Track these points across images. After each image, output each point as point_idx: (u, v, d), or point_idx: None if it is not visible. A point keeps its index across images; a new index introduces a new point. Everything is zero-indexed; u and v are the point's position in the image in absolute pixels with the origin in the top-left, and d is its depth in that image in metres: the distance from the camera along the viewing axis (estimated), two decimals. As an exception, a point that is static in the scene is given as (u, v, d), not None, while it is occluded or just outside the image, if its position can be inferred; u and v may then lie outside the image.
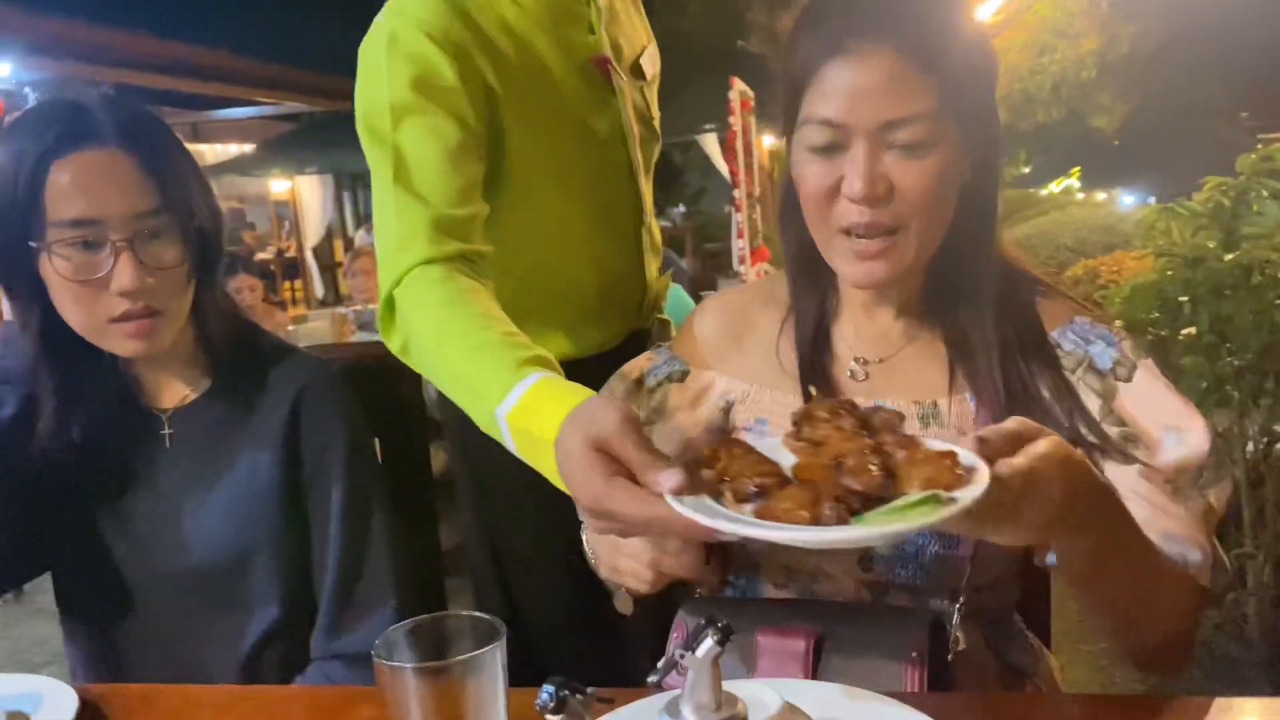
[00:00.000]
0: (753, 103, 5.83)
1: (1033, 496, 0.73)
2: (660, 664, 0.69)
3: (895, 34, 0.94)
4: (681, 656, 0.48)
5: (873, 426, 0.78)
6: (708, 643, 0.48)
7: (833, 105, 0.95)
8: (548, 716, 0.44)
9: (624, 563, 1.00)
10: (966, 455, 0.72)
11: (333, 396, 1.21)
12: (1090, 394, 1.00)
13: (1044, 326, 1.04)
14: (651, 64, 1.49)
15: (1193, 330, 2.57)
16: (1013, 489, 0.71)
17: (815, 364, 1.08)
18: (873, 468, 0.70)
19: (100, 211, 1.09)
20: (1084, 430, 0.98)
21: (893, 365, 1.07)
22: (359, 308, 4.26)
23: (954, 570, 1.01)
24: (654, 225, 1.49)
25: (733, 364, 1.14)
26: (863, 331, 1.10)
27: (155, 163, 1.12)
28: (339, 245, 14.44)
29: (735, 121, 5.67)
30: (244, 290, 4.43)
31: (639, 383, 1.18)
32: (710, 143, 12.18)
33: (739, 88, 5.68)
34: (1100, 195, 11.53)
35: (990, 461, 0.71)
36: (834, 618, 0.97)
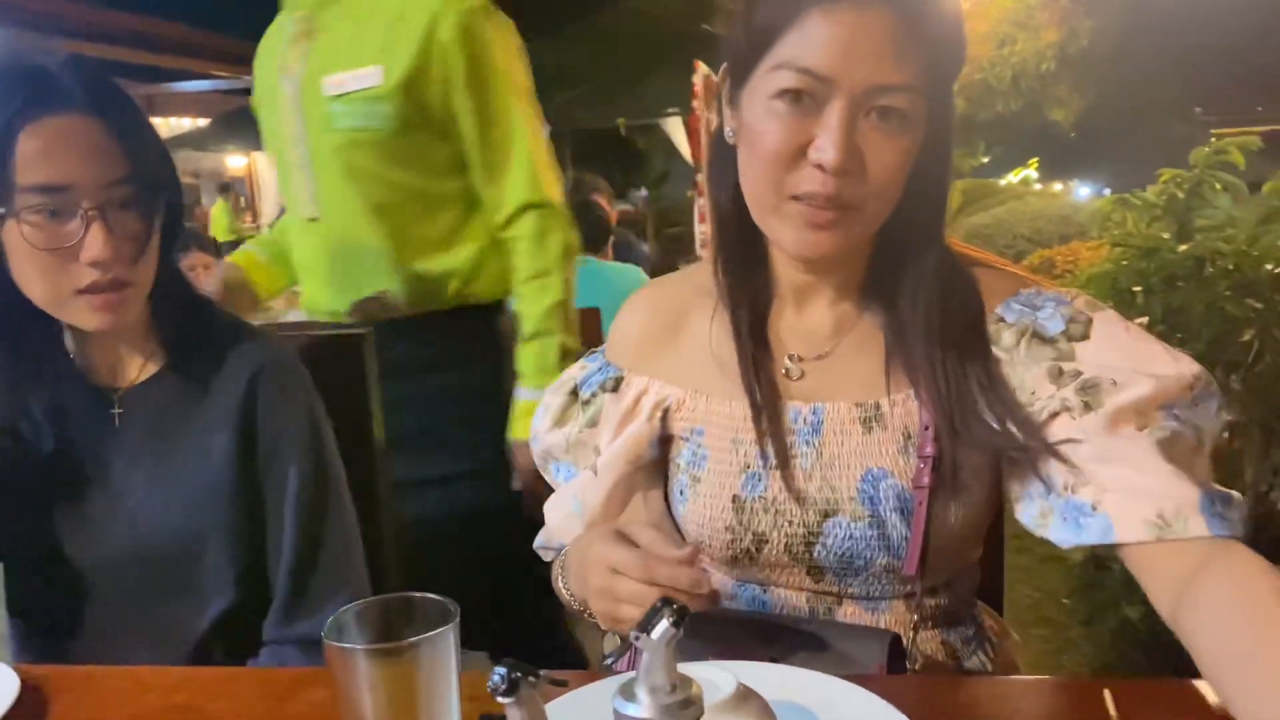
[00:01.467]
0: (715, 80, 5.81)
1: None
2: (614, 648, 0.69)
3: None
4: (636, 639, 0.47)
5: None
6: (663, 624, 0.47)
7: (819, 54, 0.88)
8: (499, 698, 0.44)
9: (625, 610, 0.88)
10: None
11: (290, 378, 1.19)
12: (1037, 364, 0.94)
13: (984, 312, 0.99)
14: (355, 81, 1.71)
15: (1146, 320, 2.60)
16: None
17: (754, 362, 1.03)
18: None
19: (70, 178, 1.06)
20: (1014, 429, 0.93)
21: (829, 362, 1.03)
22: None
23: (904, 579, 0.99)
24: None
25: (665, 367, 1.09)
26: (796, 326, 1.05)
27: (124, 129, 1.09)
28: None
29: (699, 105, 5.66)
30: (198, 268, 4.35)
31: (574, 394, 1.14)
32: (674, 126, 12.18)
33: (703, 71, 5.66)
34: (1057, 186, 11.70)
35: None
36: (789, 641, 0.94)
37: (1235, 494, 0.88)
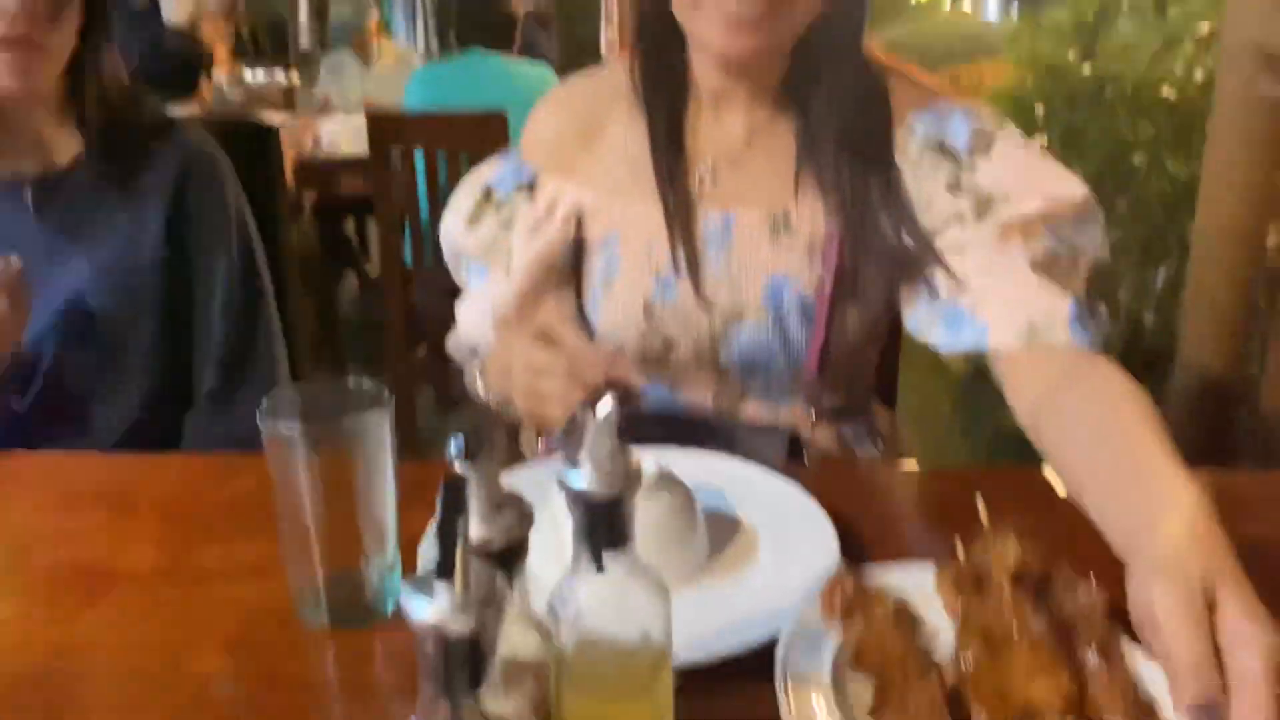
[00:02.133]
0: None
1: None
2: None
3: None
4: (582, 413, 0.50)
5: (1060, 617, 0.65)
6: (608, 401, 0.50)
7: None
8: (456, 464, 0.46)
9: (551, 409, 0.89)
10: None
11: (219, 172, 1.16)
12: (939, 175, 0.97)
13: (892, 123, 1.00)
14: None
15: (1045, 139, 2.67)
16: None
17: (669, 169, 1.03)
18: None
19: None
20: (907, 239, 0.96)
21: (742, 170, 1.04)
22: (224, 76, 3.95)
23: (804, 380, 1.04)
24: None
25: (580, 169, 1.08)
26: (711, 131, 1.05)
27: None
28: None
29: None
30: (210, 29, 4.11)
31: (487, 194, 1.12)
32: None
33: None
34: (966, 3, 11.57)
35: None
36: (697, 438, 0.98)
37: (1103, 309, 0.94)
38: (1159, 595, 0.57)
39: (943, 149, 0.98)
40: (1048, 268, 0.93)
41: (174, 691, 0.69)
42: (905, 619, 0.68)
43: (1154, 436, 0.73)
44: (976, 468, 2.38)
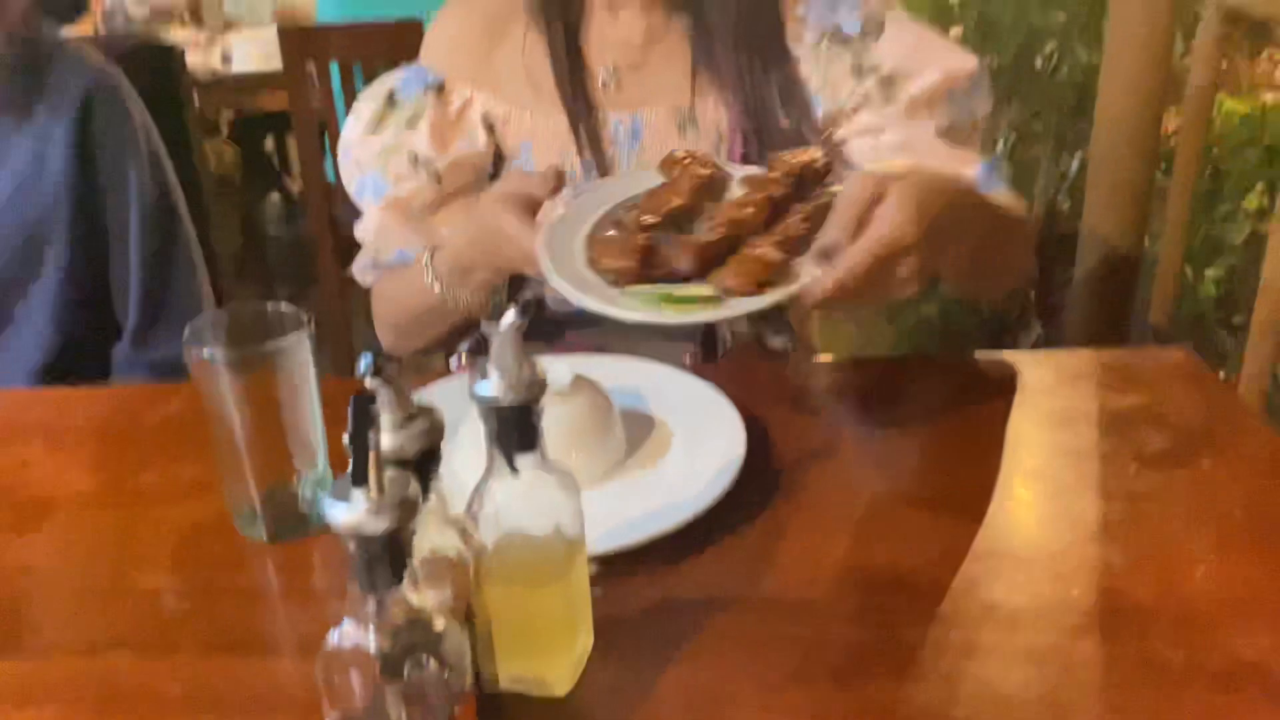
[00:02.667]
0: None
1: (890, 271, 0.73)
2: (468, 337, 0.77)
3: None
4: (487, 326, 0.54)
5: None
6: (511, 313, 0.54)
7: None
8: (367, 381, 0.50)
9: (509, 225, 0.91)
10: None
11: (124, 95, 1.14)
12: (840, 63, 1.02)
13: (781, 14, 1.04)
14: None
15: (960, 30, 2.69)
16: (863, 278, 0.72)
17: (570, 78, 1.05)
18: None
19: None
20: (805, 131, 1.01)
21: (644, 72, 1.06)
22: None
23: None
24: None
25: (487, 79, 1.09)
26: (608, 36, 1.07)
27: None
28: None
29: None
30: None
31: (390, 99, 1.10)
32: None
33: None
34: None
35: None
36: (612, 331, 0.99)
37: (1001, 160, 1.03)
38: (847, 184, 0.76)
39: (839, 38, 1.03)
40: (953, 135, 1.01)
41: (123, 605, 0.73)
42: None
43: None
44: (890, 358, 2.46)
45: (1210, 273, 2.06)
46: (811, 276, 0.75)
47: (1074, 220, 2.82)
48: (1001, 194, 1.00)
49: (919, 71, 1.00)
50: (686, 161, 0.91)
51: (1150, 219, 1.84)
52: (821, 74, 1.03)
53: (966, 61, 1.02)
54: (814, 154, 0.88)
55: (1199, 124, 1.57)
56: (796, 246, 0.81)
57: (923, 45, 1.03)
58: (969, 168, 1.00)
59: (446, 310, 1.01)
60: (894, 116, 1.00)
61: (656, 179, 0.92)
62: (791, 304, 0.87)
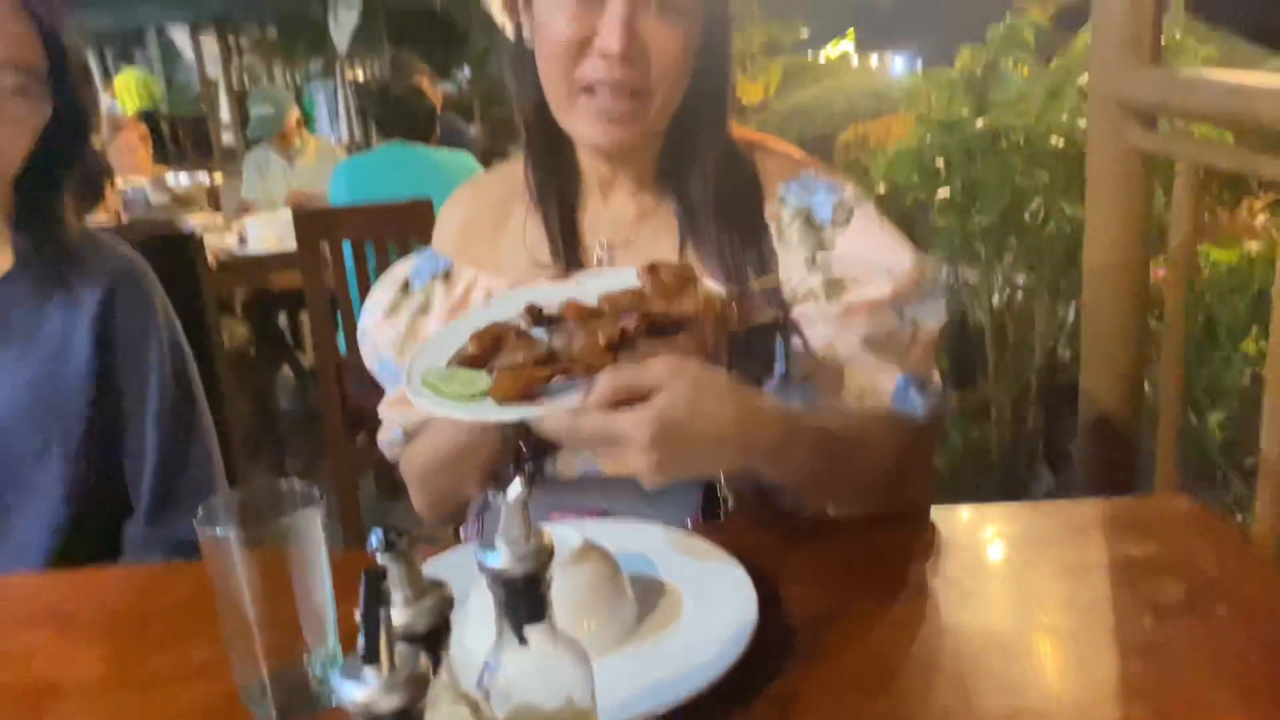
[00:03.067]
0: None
1: (670, 443, 0.79)
2: (478, 506, 0.78)
3: None
4: (494, 498, 0.55)
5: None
6: (517, 484, 0.55)
7: None
8: (378, 557, 0.51)
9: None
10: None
11: (149, 285, 1.19)
12: (801, 248, 1.05)
13: (762, 194, 1.08)
14: None
15: (947, 192, 2.79)
16: (631, 436, 0.78)
17: (565, 256, 1.09)
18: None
19: None
20: (776, 308, 1.03)
21: (633, 246, 1.10)
22: (125, 186, 3.96)
23: None
24: None
25: (490, 259, 1.14)
26: (602, 215, 1.12)
27: (42, 21, 1.09)
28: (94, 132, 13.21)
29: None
30: (135, 141, 4.09)
31: (405, 287, 1.15)
32: (495, 1, 11.77)
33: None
34: (873, 60, 11.99)
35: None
36: (615, 495, 1.03)
37: (934, 381, 1.05)
38: (651, 362, 0.80)
39: (810, 222, 1.07)
40: (884, 343, 1.02)
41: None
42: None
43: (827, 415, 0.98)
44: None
45: (1214, 417, 2.07)
46: (550, 411, 0.80)
47: (1074, 369, 2.86)
48: (912, 411, 1.02)
49: (868, 280, 1.02)
50: (658, 272, 0.92)
51: (1149, 365, 1.86)
52: (788, 257, 1.07)
53: (921, 270, 1.04)
54: (706, 298, 0.89)
55: (1184, 275, 1.61)
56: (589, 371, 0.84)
57: (881, 250, 1.04)
58: (886, 380, 1.02)
59: (480, 444, 1.03)
60: (830, 315, 1.03)
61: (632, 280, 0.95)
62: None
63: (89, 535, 1.19)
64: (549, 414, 0.80)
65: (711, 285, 0.91)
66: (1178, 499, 0.99)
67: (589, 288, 0.94)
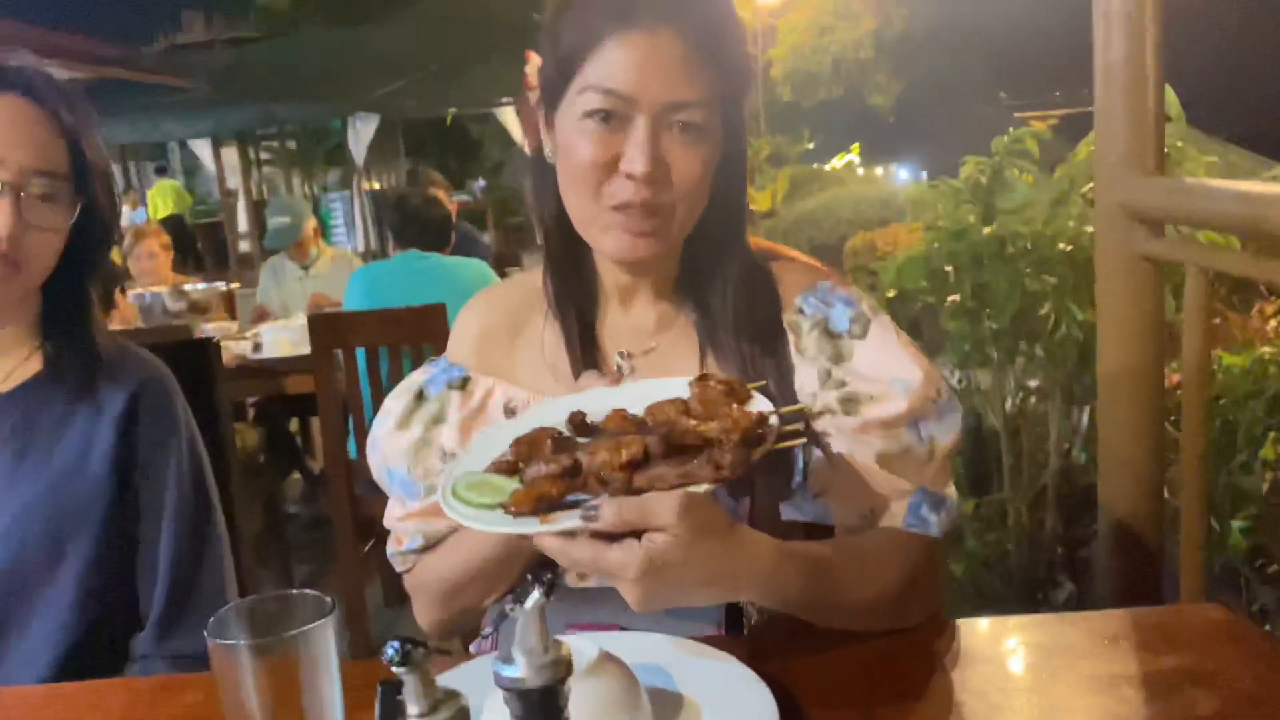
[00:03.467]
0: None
1: (660, 574, 0.80)
2: (494, 616, 0.76)
3: (683, 17, 0.97)
4: (511, 609, 0.54)
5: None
6: (534, 595, 0.54)
7: (620, 77, 0.97)
8: (394, 669, 0.50)
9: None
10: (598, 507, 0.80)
11: (172, 393, 1.20)
12: (819, 359, 1.06)
13: (780, 304, 1.09)
14: None
15: (957, 297, 2.81)
16: (624, 564, 0.79)
17: (585, 365, 1.09)
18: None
19: (2, 152, 1.08)
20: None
21: (655, 356, 1.11)
22: (144, 292, 4.01)
23: None
24: None
25: (507, 368, 1.14)
26: (621, 324, 1.12)
27: (70, 129, 1.12)
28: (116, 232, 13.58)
29: (532, 95, 5.67)
30: (157, 249, 4.18)
31: (419, 396, 1.14)
32: (508, 115, 12.13)
33: (535, 61, 5.69)
34: (878, 170, 12.25)
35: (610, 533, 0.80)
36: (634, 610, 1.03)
37: (949, 497, 1.04)
38: (662, 498, 0.80)
39: (828, 332, 1.07)
40: (899, 459, 1.02)
41: None
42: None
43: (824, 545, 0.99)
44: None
45: (1236, 523, 2.03)
46: (550, 529, 0.80)
47: (1091, 473, 2.83)
48: (925, 530, 1.02)
49: (884, 396, 1.02)
50: (715, 385, 0.92)
51: (1167, 471, 1.84)
52: (804, 367, 1.07)
53: (936, 387, 1.04)
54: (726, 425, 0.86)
55: (1199, 380, 1.61)
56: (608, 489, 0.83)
57: (897, 365, 1.04)
58: (900, 498, 1.02)
59: (515, 557, 1.02)
60: (846, 430, 1.03)
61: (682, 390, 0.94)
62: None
63: (96, 647, 1.17)
64: (547, 532, 0.80)
65: (763, 402, 0.90)
66: (1209, 608, 0.97)
67: (638, 396, 0.94)
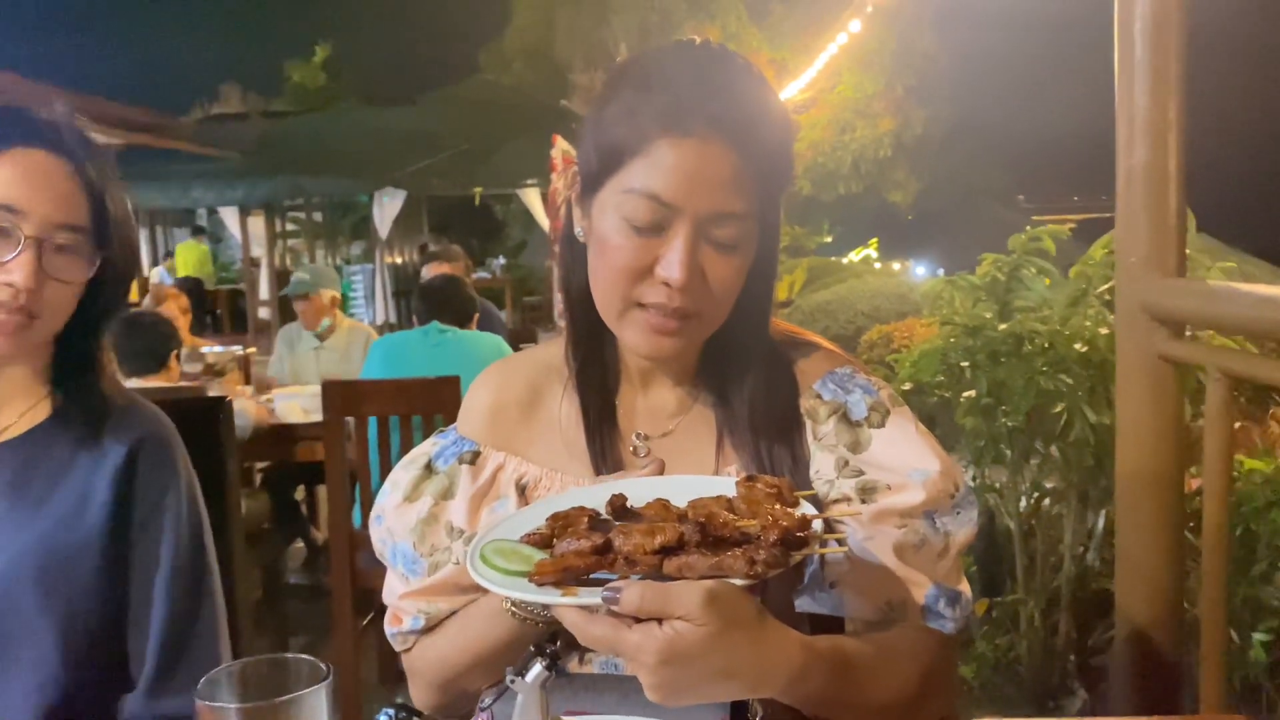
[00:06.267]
0: (575, 160, 5.95)
1: (679, 664, 0.77)
2: (492, 688, 0.74)
3: (738, 133, 0.95)
4: (512, 681, 0.52)
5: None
6: (537, 668, 0.52)
7: (666, 183, 0.95)
8: (388, 739, 0.47)
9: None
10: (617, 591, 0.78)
11: (173, 448, 1.19)
12: (837, 447, 1.04)
13: (798, 391, 1.08)
14: None
15: (973, 393, 2.79)
16: (640, 651, 0.77)
17: (602, 445, 1.08)
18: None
19: (20, 203, 1.08)
20: (809, 506, 0.99)
21: (672, 440, 1.09)
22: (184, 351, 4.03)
23: None
24: None
25: (520, 444, 1.12)
26: (640, 405, 1.11)
27: (92, 183, 1.13)
28: (134, 284, 13.75)
29: (557, 177, 5.79)
30: (176, 312, 4.23)
31: (428, 468, 1.12)
32: (532, 197, 12.33)
33: (561, 145, 5.81)
34: (896, 265, 12.35)
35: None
36: (634, 698, 0.95)
37: (964, 594, 1.02)
38: (688, 590, 0.77)
39: (847, 419, 1.06)
40: (915, 551, 1.00)
41: None
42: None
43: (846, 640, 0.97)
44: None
45: (1258, 636, 1.98)
46: (572, 602, 0.78)
47: (1106, 577, 2.77)
48: (941, 626, 1.00)
49: (901, 486, 1.01)
50: (762, 487, 0.89)
51: (1187, 579, 1.80)
52: (821, 454, 1.06)
53: (954, 481, 1.02)
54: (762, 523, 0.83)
55: (1219, 488, 1.57)
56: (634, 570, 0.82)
57: (915, 456, 1.03)
58: (917, 591, 1.00)
59: (511, 642, 0.96)
60: (862, 519, 1.01)
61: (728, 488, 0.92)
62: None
63: (82, 709, 1.13)
64: (568, 605, 0.78)
65: (809, 508, 0.88)
66: (1233, 720, 0.93)
67: (683, 488, 0.91)
